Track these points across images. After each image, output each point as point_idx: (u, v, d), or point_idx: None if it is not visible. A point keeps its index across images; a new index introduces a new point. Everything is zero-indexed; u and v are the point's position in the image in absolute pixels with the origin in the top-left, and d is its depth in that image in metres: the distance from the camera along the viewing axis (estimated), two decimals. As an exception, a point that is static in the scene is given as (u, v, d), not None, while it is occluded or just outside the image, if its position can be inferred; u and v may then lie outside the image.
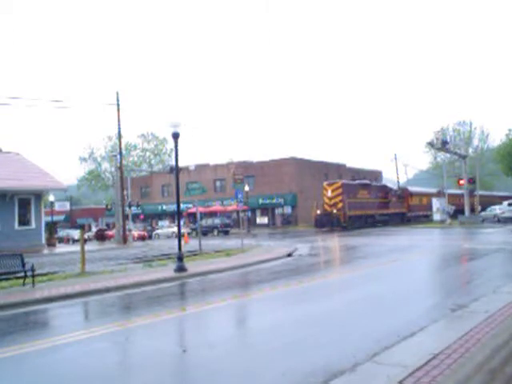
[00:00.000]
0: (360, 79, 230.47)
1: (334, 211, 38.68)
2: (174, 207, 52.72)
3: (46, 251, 28.22)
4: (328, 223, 38.91)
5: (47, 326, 8.66)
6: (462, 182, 40.71)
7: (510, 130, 62.35)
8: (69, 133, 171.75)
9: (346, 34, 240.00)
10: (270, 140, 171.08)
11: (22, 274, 12.29)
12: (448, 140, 48.79)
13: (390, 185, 48.71)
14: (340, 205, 38.53)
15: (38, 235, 28.76)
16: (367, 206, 41.85)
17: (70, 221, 66.21)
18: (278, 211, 52.93)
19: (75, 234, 43.21)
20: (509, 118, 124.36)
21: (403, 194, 48.55)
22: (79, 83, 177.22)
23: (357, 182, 43.83)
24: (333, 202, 39.37)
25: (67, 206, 63.75)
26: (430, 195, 52.97)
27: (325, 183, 41.91)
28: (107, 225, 57.88)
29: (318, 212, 40.47)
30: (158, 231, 47.31)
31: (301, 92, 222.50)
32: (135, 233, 41.47)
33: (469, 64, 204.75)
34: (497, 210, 43.55)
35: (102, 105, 49.53)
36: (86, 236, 33.13)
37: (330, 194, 40.13)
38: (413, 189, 52.62)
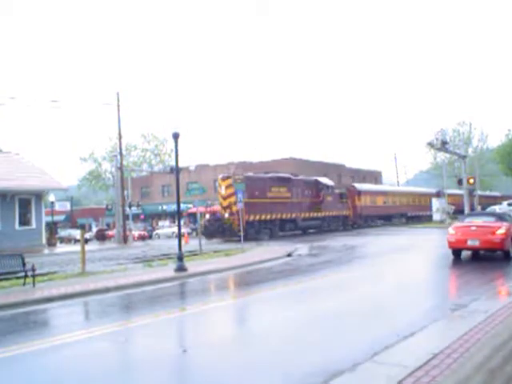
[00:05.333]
0: (360, 79, 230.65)
1: (226, 215, 28.44)
2: (174, 207, 52.66)
3: (46, 251, 28.24)
4: (218, 232, 28.79)
5: (47, 326, 8.66)
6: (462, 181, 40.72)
7: (509, 130, 62.31)
8: (69, 133, 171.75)
9: (346, 33, 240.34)
10: (270, 140, 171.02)
11: (23, 274, 12.28)
12: (448, 140, 48.62)
13: (324, 181, 36.96)
14: (236, 207, 26.23)
15: (39, 235, 28.81)
16: (284, 208, 31.35)
17: (71, 221, 66.19)
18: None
19: (77, 234, 43.21)
20: (509, 118, 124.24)
21: (347, 193, 39.27)
22: (80, 83, 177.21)
23: (269, 175, 32.10)
24: (227, 202, 28.55)
25: (68, 206, 63.68)
26: (387, 194, 46.21)
27: (219, 177, 30.67)
28: (107, 225, 57.91)
29: (207, 217, 31.10)
30: (159, 231, 47.34)
31: (300, 92, 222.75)
32: (135, 233, 41.52)
33: (469, 65, 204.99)
34: (497, 210, 43.56)
35: (103, 105, 49.56)
36: (86, 236, 33.14)
37: (223, 191, 29.12)
38: (362, 186, 43.37)
